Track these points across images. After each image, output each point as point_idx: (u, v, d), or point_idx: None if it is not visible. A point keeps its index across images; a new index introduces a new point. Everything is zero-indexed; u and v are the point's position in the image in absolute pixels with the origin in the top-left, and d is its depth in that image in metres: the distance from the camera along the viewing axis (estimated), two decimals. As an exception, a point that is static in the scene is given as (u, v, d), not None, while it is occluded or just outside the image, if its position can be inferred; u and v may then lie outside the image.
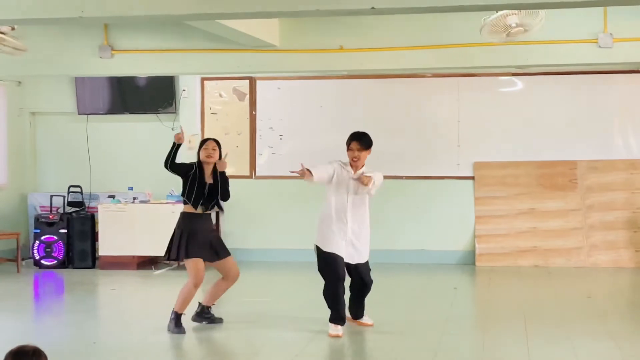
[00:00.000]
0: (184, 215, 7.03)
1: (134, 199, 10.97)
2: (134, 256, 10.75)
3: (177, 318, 6.95)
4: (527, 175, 11.01)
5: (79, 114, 11.82)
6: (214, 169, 7.04)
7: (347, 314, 7.04)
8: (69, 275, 10.56)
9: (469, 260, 11.02)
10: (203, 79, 11.59)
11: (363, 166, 6.92)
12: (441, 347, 6.42)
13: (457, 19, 8.21)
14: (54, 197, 11.56)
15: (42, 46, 9.20)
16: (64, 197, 11.60)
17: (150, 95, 11.60)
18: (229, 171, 7.18)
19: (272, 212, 11.49)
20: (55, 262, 11.04)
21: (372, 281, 7.04)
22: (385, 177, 7.11)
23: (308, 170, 6.68)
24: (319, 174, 6.76)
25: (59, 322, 7.87)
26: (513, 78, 11.07)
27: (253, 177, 11.56)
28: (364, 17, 8.30)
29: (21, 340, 3.45)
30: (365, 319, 7.16)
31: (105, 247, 10.79)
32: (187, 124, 11.17)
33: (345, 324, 6.89)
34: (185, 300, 6.97)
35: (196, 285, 6.96)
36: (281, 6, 5.68)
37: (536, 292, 9.14)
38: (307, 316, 7.48)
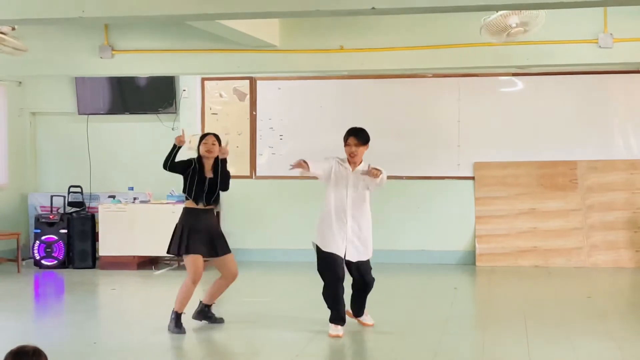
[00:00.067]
0: (185, 211, 7.05)
1: (135, 199, 10.97)
2: (134, 256, 10.75)
3: (177, 318, 6.95)
4: (527, 175, 11.01)
5: (80, 114, 11.82)
6: (215, 163, 7.05)
7: (348, 309, 7.04)
8: (69, 275, 10.56)
9: (469, 261, 11.02)
10: (203, 79, 11.60)
11: (361, 162, 6.90)
12: (441, 347, 6.42)
13: (457, 19, 8.20)
14: (54, 197, 11.56)
15: (43, 46, 9.20)
16: (64, 197, 11.60)
17: (150, 96, 11.60)
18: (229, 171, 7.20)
19: (272, 212, 11.49)
20: (55, 262, 11.04)
21: (373, 279, 7.02)
22: (386, 177, 7.10)
23: (304, 162, 6.68)
24: (315, 166, 6.75)
25: (59, 322, 7.87)
26: (513, 78, 11.07)
27: (253, 177, 11.57)
28: (364, 17, 8.30)
29: (21, 340, 3.45)
30: (366, 319, 7.15)
31: (106, 247, 10.80)
32: (187, 124, 11.19)
33: (346, 324, 6.88)
34: (184, 299, 6.97)
35: (194, 282, 6.96)
36: (281, 6, 5.68)
37: (536, 292, 9.14)
38: (307, 316, 7.48)
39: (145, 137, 11.73)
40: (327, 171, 6.83)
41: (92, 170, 11.76)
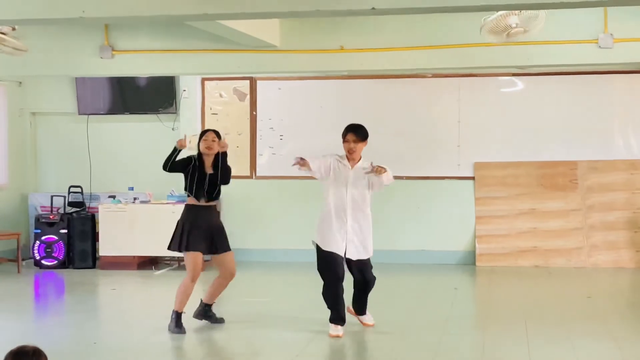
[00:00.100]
0: (187, 208, 7.06)
1: (135, 199, 10.96)
2: (134, 256, 10.75)
3: (177, 318, 6.95)
4: (527, 175, 11.01)
5: (80, 114, 11.82)
6: (215, 160, 7.05)
7: (350, 306, 7.03)
8: (69, 275, 10.56)
9: (470, 261, 11.02)
10: (203, 79, 11.60)
11: (360, 159, 6.89)
12: (441, 347, 6.42)
13: (457, 19, 8.21)
14: (54, 197, 11.56)
15: (43, 46, 9.20)
16: (64, 197, 11.60)
17: (150, 96, 11.60)
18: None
19: (272, 212, 11.49)
20: (55, 262, 11.04)
21: (374, 278, 7.00)
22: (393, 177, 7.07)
23: (305, 160, 6.67)
24: (315, 164, 6.74)
25: (59, 322, 7.87)
26: (513, 78, 11.07)
27: (253, 177, 11.57)
28: (364, 17, 8.30)
29: (21, 341, 3.45)
30: (367, 319, 7.14)
31: (106, 247, 10.80)
32: (187, 124, 11.21)
33: (346, 324, 6.88)
34: (183, 297, 6.97)
35: (193, 280, 6.96)
36: (281, 6, 5.68)
37: (536, 292, 9.13)
38: (307, 316, 7.48)
39: (146, 137, 11.73)
40: (326, 168, 6.82)
41: (92, 170, 11.76)
